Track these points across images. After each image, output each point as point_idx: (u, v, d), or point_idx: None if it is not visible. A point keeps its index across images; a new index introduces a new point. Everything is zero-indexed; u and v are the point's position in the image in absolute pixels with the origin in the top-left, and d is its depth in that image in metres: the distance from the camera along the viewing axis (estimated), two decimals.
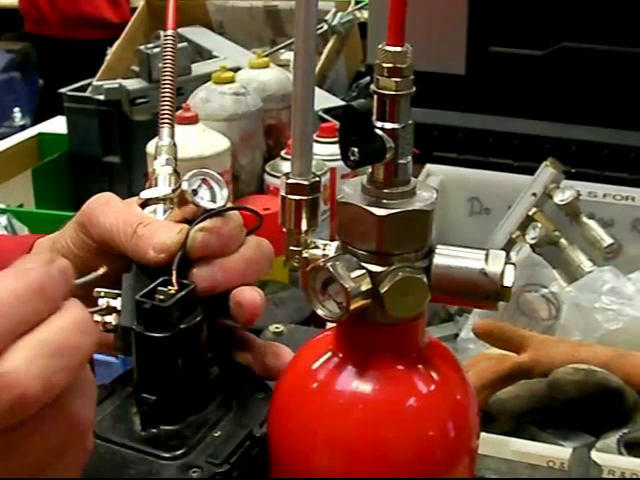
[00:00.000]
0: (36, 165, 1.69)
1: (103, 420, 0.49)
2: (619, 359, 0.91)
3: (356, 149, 0.43)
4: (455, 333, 1.18)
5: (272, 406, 0.48)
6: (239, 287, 0.52)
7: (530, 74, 1.46)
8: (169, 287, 0.48)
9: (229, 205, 0.53)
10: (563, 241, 1.25)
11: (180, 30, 0.72)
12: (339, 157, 0.44)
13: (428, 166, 1.37)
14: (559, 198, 1.25)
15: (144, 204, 0.56)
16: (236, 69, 1.43)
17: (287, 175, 0.47)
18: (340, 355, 0.46)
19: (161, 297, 0.48)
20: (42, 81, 3.63)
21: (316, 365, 0.47)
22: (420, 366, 0.46)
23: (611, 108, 1.43)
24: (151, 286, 0.48)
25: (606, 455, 0.77)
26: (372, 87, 0.44)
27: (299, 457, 0.46)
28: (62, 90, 1.71)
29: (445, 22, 1.48)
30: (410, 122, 0.44)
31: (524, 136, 1.45)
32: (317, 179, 0.47)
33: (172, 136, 0.60)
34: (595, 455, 0.73)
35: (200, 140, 1.22)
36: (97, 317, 0.50)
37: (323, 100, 1.56)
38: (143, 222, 0.53)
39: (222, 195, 0.53)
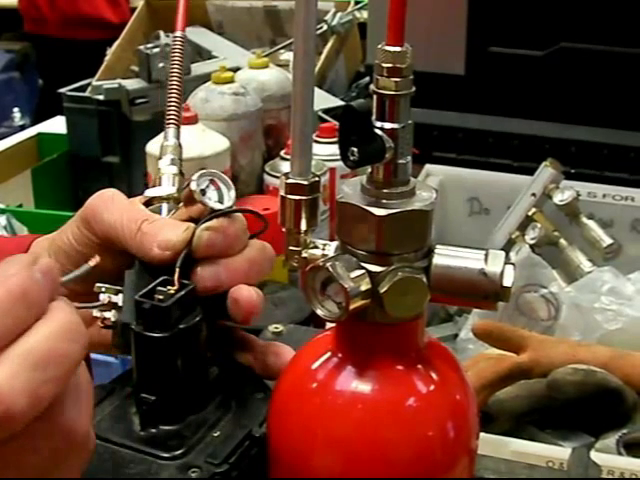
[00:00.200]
0: (35, 165, 1.69)
1: (102, 420, 0.49)
2: (618, 359, 0.91)
3: (356, 149, 0.43)
4: (454, 333, 1.18)
5: (271, 406, 0.48)
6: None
7: (530, 74, 1.46)
8: (168, 287, 0.48)
9: (236, 207, 0.53)
10: (562, 241, 1.25)
11: None
12: (339, 157, 0.44)
13: (427, 166, 1.37)
14: (558, 198, 1.25)
15: (148, 202, 0.56)
16: (236, 69, 1.43)
17: (287, 175, 0.47)
18: (339, 355, 0.46)
19: (160, 297, 0.48)
20: (41, 81, 3.62)
21: (315, 365, 0.47)
22: (419, 366, 0.46)
23: (610, 108, 1.43)
24: (150, 286, 0.48)
25: (605, 455, 0.77)
26: (372, 87, 0.44)
27: (298, 457, 0.46)
28: (61, 90, 1.71)
29: (445, 22, 1.48)
30: (410, 122, 0.44)
31: (523, 136, 1.45)
32: (316, 179, 0.47)
33: (178, 137, 0.60)
34: (594, 455, 0.73)
35: (200, 140, 1.22)
36: (96, 312, 0.50)
37: (323, 100, 1.56)
38: (148, 219, 0.53)
39: (230, 196, 0.53)
